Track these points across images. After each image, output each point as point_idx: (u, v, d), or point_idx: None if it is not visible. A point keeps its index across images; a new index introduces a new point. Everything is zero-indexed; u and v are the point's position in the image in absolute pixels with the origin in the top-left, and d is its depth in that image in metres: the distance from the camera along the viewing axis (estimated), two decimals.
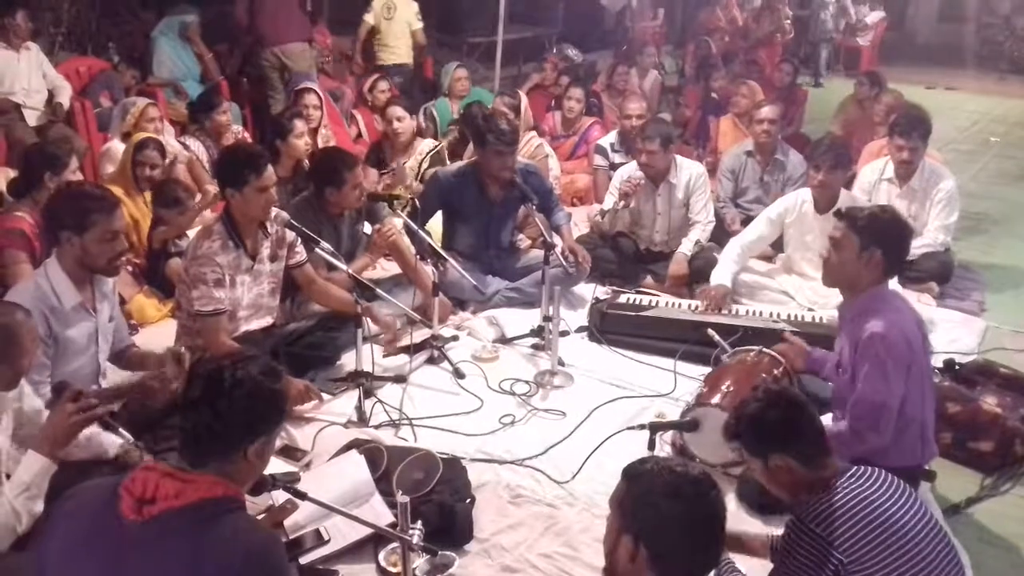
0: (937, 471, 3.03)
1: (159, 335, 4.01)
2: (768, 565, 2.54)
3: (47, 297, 2.90)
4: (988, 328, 4.59)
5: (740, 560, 2.51)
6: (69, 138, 5.21)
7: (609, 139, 6.19)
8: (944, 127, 8.17)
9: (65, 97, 5.89)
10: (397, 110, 5.67)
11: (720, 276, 4.46)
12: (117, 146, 5.08)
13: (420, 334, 4.03)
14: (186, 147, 5.34)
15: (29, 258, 3.76)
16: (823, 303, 4.33)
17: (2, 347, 2.36)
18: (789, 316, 4.17)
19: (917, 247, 4.83)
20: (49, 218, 3.02)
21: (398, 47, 7.60)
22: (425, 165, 5.59)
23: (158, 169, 4.71)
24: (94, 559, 1.72)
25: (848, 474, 2.20)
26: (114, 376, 3.30)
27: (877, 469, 2.25)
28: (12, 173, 4.43)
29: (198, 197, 4.83)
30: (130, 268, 4.43)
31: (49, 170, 3.92)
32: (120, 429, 2.53)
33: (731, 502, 3.07)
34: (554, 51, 9.33)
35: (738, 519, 2.99)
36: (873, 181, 5.09)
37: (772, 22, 10.73)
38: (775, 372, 3.36)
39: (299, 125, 5.06)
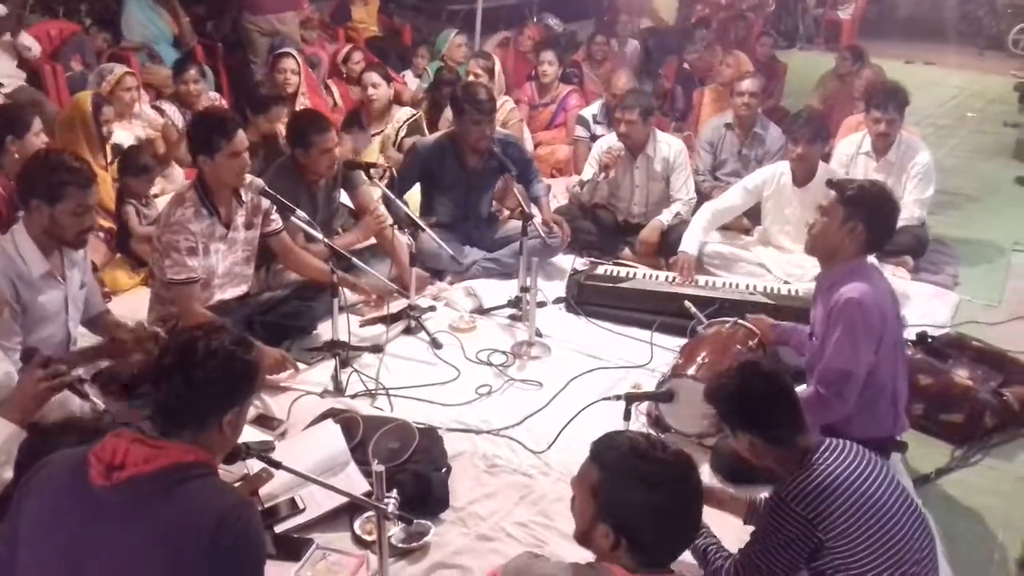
0: (908, 442, 3.06)
1: (132, 303, 3.98)
2: (738, 523, 2.59)
3: (14, 263, 2.85)
4: (961, 302, 4.63)
5: (711, 515, 2.53)
6: (39, 101, 5.10)
7: (591, 110, 6.15)
8: (922, 102, 8.17)
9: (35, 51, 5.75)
10: (373, 76, 5.60)
11: (687, 244, 4.47)
12: None
13: (397, 304, 4.02)
14: (161, 112, 5.26)
15: None
16: (799, 275, 4.36)
17: None
18: (765, 288, 4.19)
19: None
20: (22, 183, 2.95)
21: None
22: (402, 133, 5.53)
23: (118, 119, 4.64)
24: (66, 527, 1.71)
25: (824, 449, 2.22)
26: (85, 343, 3.25)
27: (850, 443, 2.28)
28: None
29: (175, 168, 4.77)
30: (101, 235, 4.37)
31: (11, 133, 3.83)
32: (90, 395, 2.50)
33: (704, 473, 3.09)
34: (535, 20, 9.24)
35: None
36: (851, 154, 5.10)
37: None
38: (750, 343, 3.38)
39: (276, 111, 4.95)
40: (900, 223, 4.81)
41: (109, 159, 4.65)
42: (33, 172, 2.93)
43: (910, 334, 3.87)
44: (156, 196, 4.67)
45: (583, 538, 1.82)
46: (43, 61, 5.81)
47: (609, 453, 1.79)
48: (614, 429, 1.97)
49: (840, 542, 2.12)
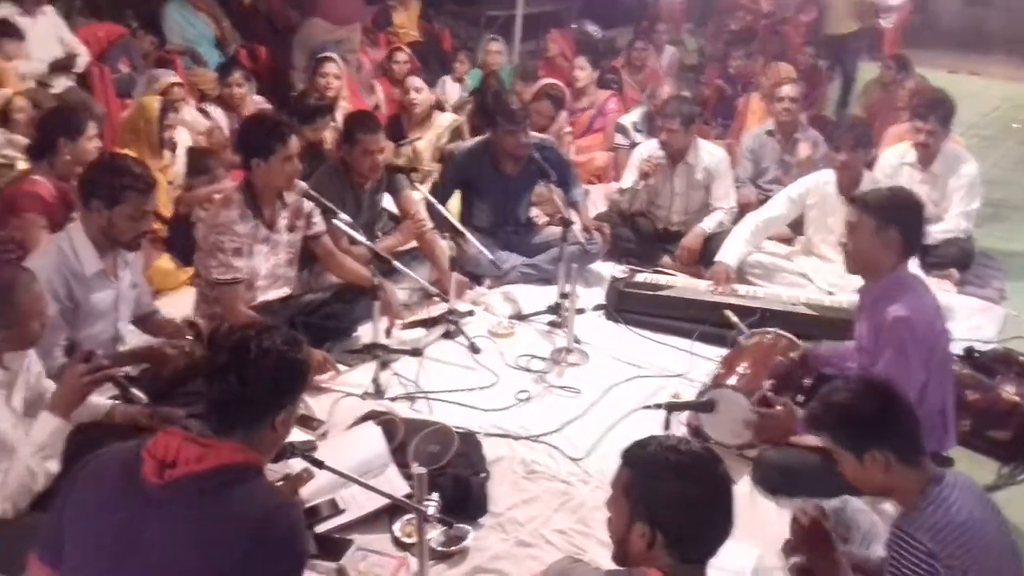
0: (954, 458, 3.01)
1: (178, 302, 4.03)
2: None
3: (69, 261, 2.91)
4: (1008, 316, 4.55)
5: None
6: (87, 104, 5.20)
7: (632, 118, 6.14)
8: (967, 112, 8.03)
9: (83, 63, 5.87)
10: (415, 81, 5.65)
11: (725, 254, 4.42)
12: None
13: (436, 308, 4.03)
14: (206, 115, 5.33)
15: (47, 222, 3.76)
16: (842, 286, 4.30)
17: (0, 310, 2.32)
18: (808, 299, 4.14)
19: (938, 232, 4.80)
20: (84, 184, 3.00)
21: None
22: (444, 139, 5.56)
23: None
24: (115, 519, 1.73)
25: (950, 483, 2.10)
26: (134, 341, 3.30)
27: (968, 478, 2.16)
28: None
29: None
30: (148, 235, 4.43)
31: (64, 135, 3.89)
32: (133, 390, 2.53)
33: (746, 484, 3.07)
34: (574, 26, 9.24)
35: (752, 502, 3.00)
36: (895, 165, 5.03)
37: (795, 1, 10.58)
38: (792, 355, 3.35)
39: (321, 122, 4.99)
40: (946, 235, 4.84)
41: (166, 162, 4.74)
42: (96, 175, 2.99)
43: (956, 348, 3.81)
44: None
45: (620, 552, 1.81)
46: (91, 63, 5.93)
47: (639, 452, 1.82)
48: None
49: None
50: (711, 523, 1.75)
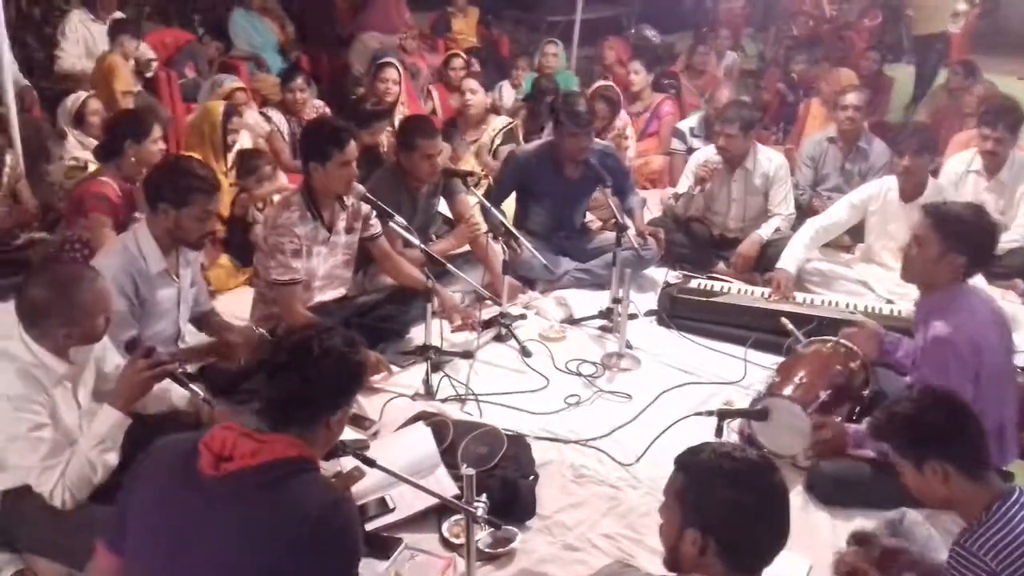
0: (1016, 473, 2.92)
1: (236, 302, 4.12)
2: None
3: (136, 260, 3.00)
4: None
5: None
6: (154, 108, 5.36)
7: (689, 123, 6.09)
8: None
9: (151, 68, 6.04)
10: (472, 83, 5.69)
11: (786, 261, 4.35)
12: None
13: (488, 312, 4.05)
14: (268, 119, 5.44)
15: (113, 222, 3.88)
16: (902, 294, 4.20)
17: (65, 307, 2.38)
18: (866, 308, 4.07)
19: (1004, 243, 4.65)
20: (151, 187, 3.08)
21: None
22: (498, 142, 5.59)
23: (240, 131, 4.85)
24: (173, 511, 1.78)
25: (1014, 500, 2.05)
26: (192, 340, 3.39)
27: None
28: None
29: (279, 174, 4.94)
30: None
31: (130, 138, 4.00)
32: (191, 385, 2.59)
33: (799, 495, 3.02)
34: (632, 31, 9.20)
35: (805, 512, 2.95)
36: (960, 173, 4.91)
37: (859, 6, 10.39)
38: (851, 365, 3.28)
39: (378, 125, 5.07)
40: (1012, 244, 4.70)
41: (229, 165, 4.86)
42: (163, 177, 3.07)
43: (1021, 360, 3.70)
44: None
45: (672, 558, 1.80)
46: (159, 68, 6.10)
47: (693, 458, 1.80)
48: None
49: None
50: (765, 532, 1.73)
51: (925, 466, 2.09)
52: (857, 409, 3.23)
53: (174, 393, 2.78)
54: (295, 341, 1.92)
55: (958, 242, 2.79)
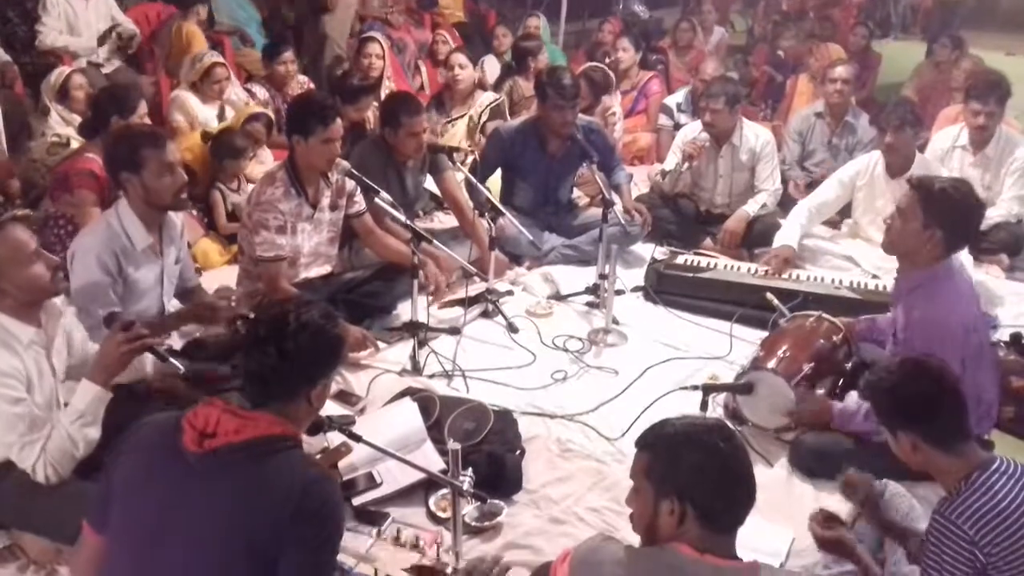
0: (996, 443, 2.96)
1: (222, 279, 4.11)
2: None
3: (119, 238, 2.97)
4: None
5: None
6: (138, 83, 5.30)
7: (676, 99, 6.08)
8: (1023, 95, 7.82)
9: (134, 42, 5.97)
10: (460, 57, 5.64)
11: (786, 237, 4.36)
12: (185, 95, 5.16)
13: (475, 288, 4.05)
14: (252, 94, 5.40)
15: (98, 199, 3.85)
16: (888, 269, 4.22)
17: None
18: (852, 283, 4.08)
19: (990, 218, 4.68)
20: (108, 163, 3.07)
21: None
22: (485, 118, 5.56)
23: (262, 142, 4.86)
24: (157, 488, 1.79)
25: (997, 468, 2.07)
26: None
27: (1013, 462, 2.11)
28: None
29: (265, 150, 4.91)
30: (194, 212, 4.52)
31: (117, 113, 3.97)
32: (170, 358, 2.58)
33: (782, 467, 3.06)
34: (620, 6, 9.15)
35: (789, 485, 2.98)
36: (946, 148, 4.92)
37: None
38: (834, 339, 3.31)
39: (365, 101, 5.03)
40: (996, 220, 4.72)
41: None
42: (112, 150, 3.05)
43: (1003, 335, 3.74)
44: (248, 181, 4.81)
45: (648, 538, 1.81)
46: (142, 43, 6.03)
47: (653, 434, 1.84)
48: None
49: (997, 568, 1.98)
50: (736, 488, 1.75)
51: (899, 434, 2.15)
52: (840, 382, 3.25)
53: (146, 361, 2.77)
54: (272, 316, 1.91)
55: (941, 218, 2.79)
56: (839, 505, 2.69)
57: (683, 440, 1.77)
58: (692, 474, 1.73)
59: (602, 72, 5.95)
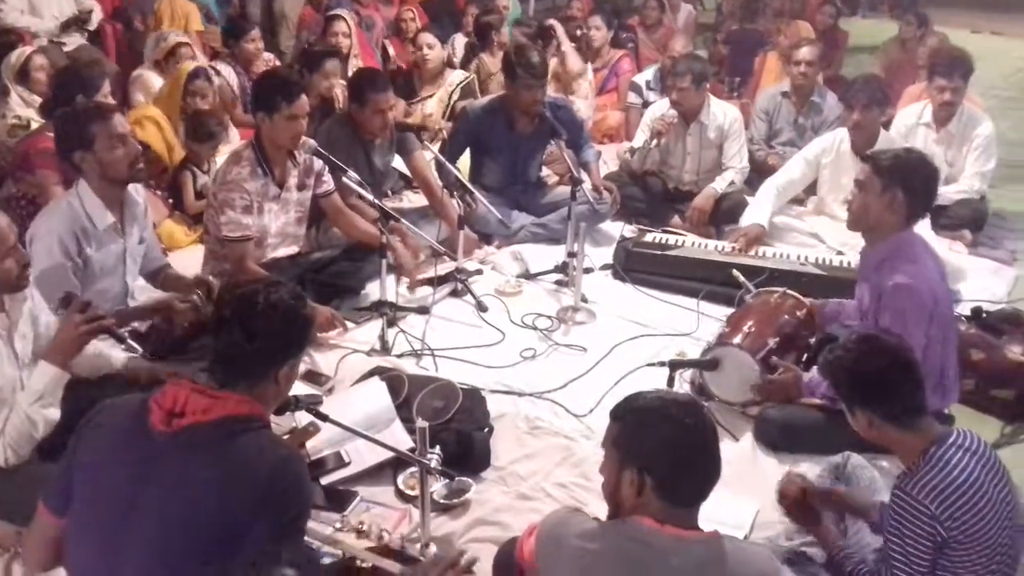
0: (956, 416, 3.02)
1: (188, 259, 4.06)
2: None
3: (79, 218, 2.94)
4: (1019, 277, 4.51)
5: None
6: (100, 62, 5.21)
7: (645, 76, 6.09)
8: (987, 73, 7.85)
9: (94, 21, 5.87)
10: (428, 37, 5.60)
11: (756, 216, 4.40)
12: (148, 74, 5.08)
13: (444, 267, 4.05)
14: (217, 73, 5.33)
15: (60, 178, 3.79)
16: (852, 245, 4.26)
17: None
18: (817, 259, 4.12)
19: (953, 193, 4.76)
20: (60, 147, 3.02)
21: None
22: (455, 97, 5.53)
23: (208, 99, 4.74)
24: (123, 467, 1.78)
25: (954, 442, 2.10)
26: (144, 297, 3.34)
27: (976, 437, 2.15)
28: None
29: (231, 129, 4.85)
30: (159, 192, 4.47)
31: (81, 92, 3.91)
32: (129, 340, 2.55)
33: (748, 441, 3.10)
34: None
35: (754, 458, 3.03)
36: (910, 125, 4.97)
37: None
38: (798, 314, 3.35)
39: (330, 65, 4.97)
40: (960, 196, 4.79)
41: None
42: (62, 130, 3.01)
43: (964, 309, 3.80)
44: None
45: (613, 507, 1.84)
46: (104, 21, 5.93)
47: (626, 405, 1.86)
48: None
49: (958, 540, 2.02)
50: (698, 464, 1.77)
51: (856, 412, 2.19)
52: (805, 356, 3.30)
53: (112, 357, 2.76)
54: (239, 295, 1.90)
55: (900, 180, 2.84)
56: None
57: (651, 413, 1.79)
58: (654, 447, 1.75)
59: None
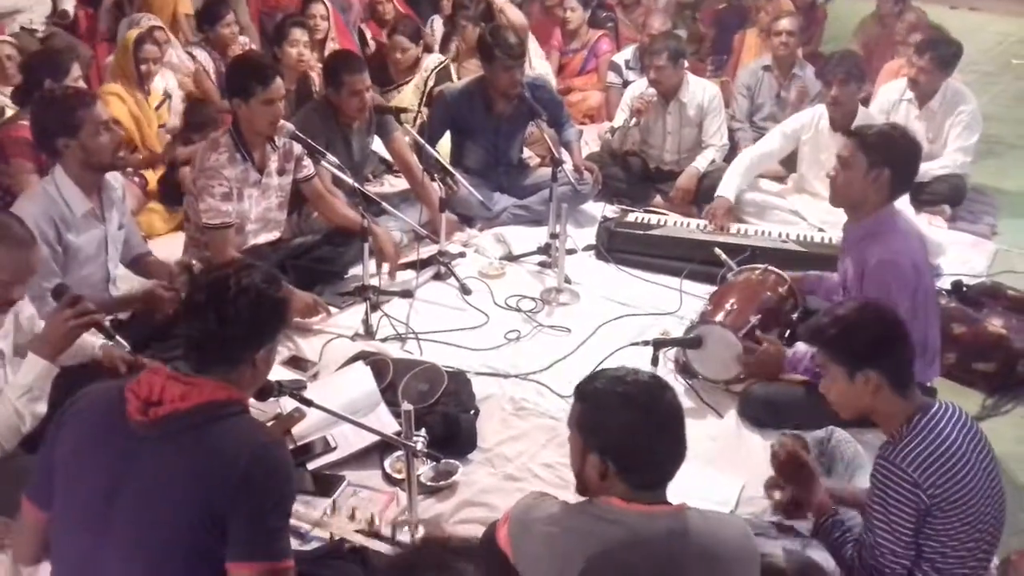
0: (938, 389, 3.04)
1: (168, 247, 4.02)
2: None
3: (56, 205, 2.90)
4: (998, 251, 4.56)
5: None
6: (73, 46, 5.13)
7: (624, 56, 6.06)
8: (966, 48, 7.89)
9: (69, 4, 5.78)
10: (403, 40, 5.39)
11: (724, 189, 4.42)
12: None
13: (427, 250, 4.04)
14: (193, 58, 5.27)
15: (35, 167, 3.74)
16: (833, 222, 4.28)
17: None
18: (798, 236, 4.14)
19: (935, 168, 4.78)
20: (40, 133, 2.98)
21: None
22: (431, 82, 5.48)
23: (159, 62, 4.70)
24: (102, 458, 1.76)
25: (937, 412, 2.10)
26: (126, 284, 3.32)
27: (959, 408, 2.15)
28: None
29: None
30: (136, 179, 4.42)
31: (50, 76, 3.85)
32: (117, 336, 2.54)
33: (732, 418, 3.12)
34: None
35: (739, 435, 3.05)
36: (893, 101, 4.99)
37: None
38: (780, 290, 3.38)
39: (297, 33, 4.91)
40: (942, 171, 4.81)
41: (155, 105, 4.72)
42: (44, 116, 2.97)
43: (944, 283, 3.83)
44: None
45: (580, 485, 1.84)
46: (76, 6, 5.84)
47: (589, 386, 1.83)
48: None
49: (941, 508, 2.03)
50: (660, 449, 1.76)
51: (858, 375, 2.11)
52: (787, 333, 3.31)
53: (94, 344, 2.73)
54: (212, 280, 1.87)
55: (883, 155, 2.85)
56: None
57: (613, 397, 1.76)
58: (615, 434, 1.74)
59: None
